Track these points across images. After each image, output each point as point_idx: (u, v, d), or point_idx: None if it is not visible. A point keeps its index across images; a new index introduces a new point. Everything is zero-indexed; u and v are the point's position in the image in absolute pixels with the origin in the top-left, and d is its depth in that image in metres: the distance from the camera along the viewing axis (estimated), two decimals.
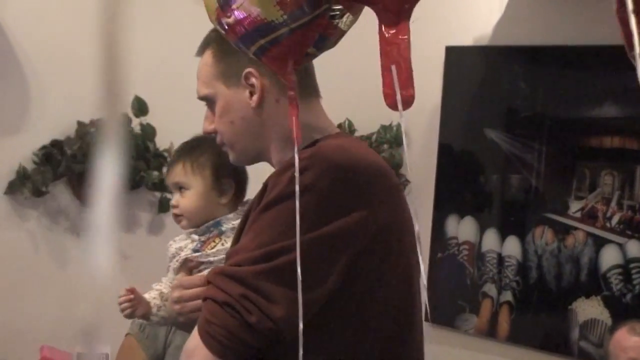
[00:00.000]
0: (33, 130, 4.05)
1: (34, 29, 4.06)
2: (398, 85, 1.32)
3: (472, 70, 3.81)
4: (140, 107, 4.06)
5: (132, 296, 2.23)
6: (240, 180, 2.38)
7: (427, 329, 3.81)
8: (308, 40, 1.49)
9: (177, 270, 2.30)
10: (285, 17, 1.42)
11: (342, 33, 1.56)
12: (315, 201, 1.74)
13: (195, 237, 2.28)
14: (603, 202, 3.36)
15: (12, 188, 4.00)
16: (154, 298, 2.30)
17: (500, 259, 3.63)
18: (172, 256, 2.32)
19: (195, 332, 1.81)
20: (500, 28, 3.73)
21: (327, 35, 1.53)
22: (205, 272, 2.15)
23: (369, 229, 1.80)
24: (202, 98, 2.03)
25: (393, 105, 1.33)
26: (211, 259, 2.23)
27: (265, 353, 1.79)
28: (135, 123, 4.12)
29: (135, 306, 2.24)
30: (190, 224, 2.29)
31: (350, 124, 4.10)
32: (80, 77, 4.18)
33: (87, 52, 4.31)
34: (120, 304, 2.24)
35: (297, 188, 1.45)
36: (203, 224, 2.29)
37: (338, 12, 1.50)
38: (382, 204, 1.83)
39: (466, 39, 3.84)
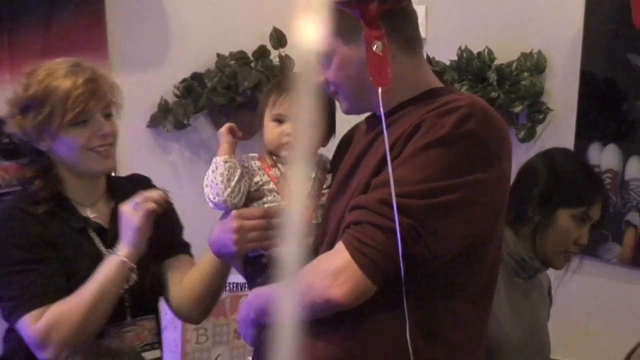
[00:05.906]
0: (174, 64, 4.12)
1: None
2: None
3: None
4: (279, 39, 4.08)
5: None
6: None
7: None
8: None
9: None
10: None
11: None
12: (477, 147, 1.84)
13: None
14: None
15: (155, 121, 4.09)
16: None
17: None
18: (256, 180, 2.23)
19: (338, 252, 1.88)
20: None
21: None
22: (268, 206, 2.18)
23: (507, 180, 1.97)
24: None
25: None
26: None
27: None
28: (274, 55, 4.15)
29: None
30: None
31: (490, 52, 4.03)
32: (220, 10, 4.23)
33: None
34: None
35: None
36: None
37: None
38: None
39: None
